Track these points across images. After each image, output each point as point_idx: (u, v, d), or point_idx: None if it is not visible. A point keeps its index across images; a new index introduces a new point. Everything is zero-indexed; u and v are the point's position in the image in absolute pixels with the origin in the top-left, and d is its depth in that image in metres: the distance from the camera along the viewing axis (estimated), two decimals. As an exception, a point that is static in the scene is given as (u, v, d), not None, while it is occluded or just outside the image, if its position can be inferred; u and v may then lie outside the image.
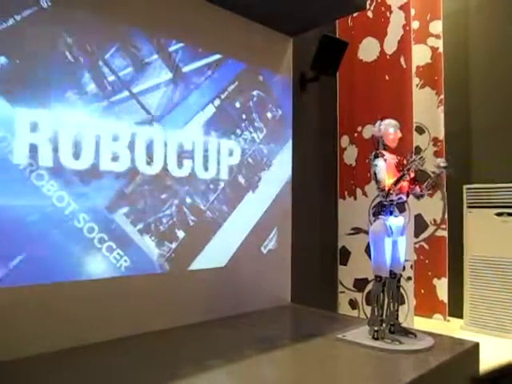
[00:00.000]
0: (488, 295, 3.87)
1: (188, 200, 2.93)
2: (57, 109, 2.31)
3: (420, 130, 4.23)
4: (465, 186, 4.08)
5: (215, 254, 3.07)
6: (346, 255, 4.07)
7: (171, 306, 2.75)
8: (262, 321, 3.03)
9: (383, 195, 2.52)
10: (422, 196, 2.63)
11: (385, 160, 2.55)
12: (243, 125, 3.30)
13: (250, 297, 3.25)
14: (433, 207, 4.17)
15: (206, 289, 2.98)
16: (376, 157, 2.56)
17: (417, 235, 4.12)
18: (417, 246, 4.18)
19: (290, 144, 3.68)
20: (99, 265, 2.46)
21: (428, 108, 4.20)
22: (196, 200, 2.98)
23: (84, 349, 2.26)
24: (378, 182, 2.54)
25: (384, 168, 2.51)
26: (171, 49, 2.85)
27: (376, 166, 2.53)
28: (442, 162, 2.54)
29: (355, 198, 4.04)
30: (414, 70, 4.21)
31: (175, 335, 2.59)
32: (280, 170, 3.59)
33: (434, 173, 2.59)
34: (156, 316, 2.66)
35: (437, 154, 4.15)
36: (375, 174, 2.54)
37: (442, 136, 4.16)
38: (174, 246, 2.83)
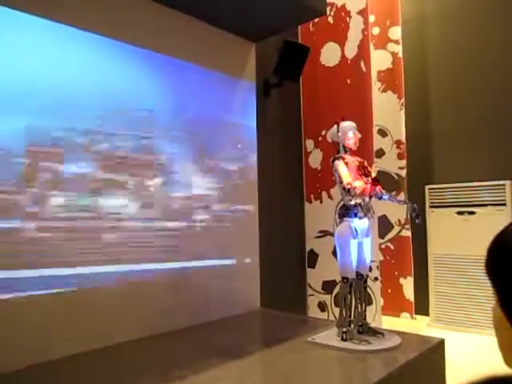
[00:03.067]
0: (452, 292, 3.98)
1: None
2: None
3: (383, 133, 4.31)
4: (427, 187, 4.19)
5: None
6: (314, 258, 4.09)
7: (132, 317, 2.66)
8: (231, 328, 2.98)
9: (348, 195, 2.54)
10: (381, 198, 2.66)
11: (346, 163, 2.58)
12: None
13: (218, 304, 3.20)
14: (397, 208, 4.22)
15: (168, 297, 2.89)
16: (334, 160, 2.60)
17: (382, 236, 4.19)
18: (383, 246, 4.25)
19: (255, 149, 3.66)
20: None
21: (390, 111, 4.30)
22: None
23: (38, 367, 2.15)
24: (340, 182, 2.57)
25: (343, 167, 2.55)
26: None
27: (335, 169, 2.57)
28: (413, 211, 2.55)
29: (321, 202, 4.08)
30: (375, 74, 4.34)
31: (137, 347, 2.51)
32: (245, 175, 3.57)
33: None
34: (115, 329, 2.57)
35: (399, 156, 4.24)
36: (336, 176, 2.58)
37: (404, 138, 4.25)
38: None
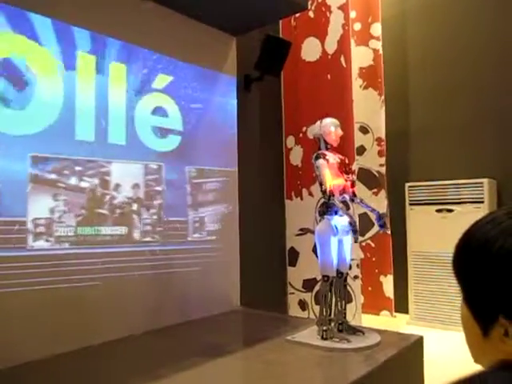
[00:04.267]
0: (431, 289, 4.04)
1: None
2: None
3: (364, 130, 4.35)
4: (407, 184, 4.25)
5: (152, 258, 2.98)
6: (294, 256, 4.11)
7: (111, 316, 2.63)
8: (210, 327, 2.98)
9: (326, 197, 2.58)
10: (352, 201, 2.72)
11: (327, 160, 2.60)
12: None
13: (197, 303, 3.19)
14: (377, 205, 4.24)
15: (147, 296, 2.88)
16: (317, 158, 2.60)
17: (363, 234, 4.21)
18: (363, 244, 4.28)
19: (235, 145, 3.65)
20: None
21: (372, 109, 4.33)
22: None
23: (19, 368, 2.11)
24: (320, 183, 2.60)
25: (326, 169, 2.57)
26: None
27: (317, 167, 2.58)
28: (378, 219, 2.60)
29: (302, 199, 4.09)
30: (357, 71, 4.36)
31: (118, 348, 2.49)
32: (225, 172, 3.56)
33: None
34: (96, 328, 2.54)
35: (380, 153, 4.28)
36: (317, 175, 2.61)
37: (384, 136, 4.30)
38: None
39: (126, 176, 2.81)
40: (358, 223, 2.80)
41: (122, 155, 2.79)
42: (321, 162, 2.59)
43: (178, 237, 3.13)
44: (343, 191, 2.60)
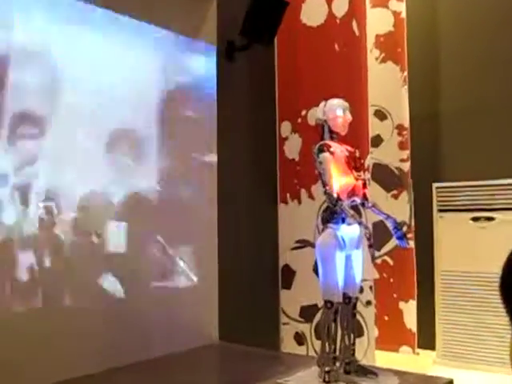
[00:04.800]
0: (464, 320, 4.04)
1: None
2: None
3: (381, 116, 4.35)
4: (434, 185, 4.26)
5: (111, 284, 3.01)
6: (289, 276, 4.09)
7: (55, 355, 2.64)
8: (179, 367, 2.97)
9: (331, 201, 2.56)
10: (363, 206, 2.73)
11: (332, 153, 2.60)
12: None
13: (163, 336, 3.18)
14: (397, 212, 4.20)
15: (102, 329, 2.88)
16: (320, 150, 2.60)
17: (378, 247, 4.21)
18: (378, 261, 4.27)
19: (214, 132, 3.65)
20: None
21: (391, 87, 4.33)
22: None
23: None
24: (323, 182, 2.59)
25: (331, 164, 2.57)
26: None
27: (320, 162, 2.59)
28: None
29: (300, 202, 4.07)
30: (372, 39, 4.36)
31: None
32: (201, 168, 3.57)
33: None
34: (46, 368, 2.56)
35: (401, 145, 4.28)
36: (320, 172, 2.61)
37: (407, 123, 4.31)
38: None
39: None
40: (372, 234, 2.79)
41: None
42: (325, 155, 2.58)
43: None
44: (353, 193, 2.60)
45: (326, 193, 2.57)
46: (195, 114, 3.52)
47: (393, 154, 4.30)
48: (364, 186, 2.66)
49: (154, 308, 3.18)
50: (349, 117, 2.69)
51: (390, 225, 2.64)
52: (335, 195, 2.52)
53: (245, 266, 3.89)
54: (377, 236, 3.94)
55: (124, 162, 3.15)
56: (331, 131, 2.68)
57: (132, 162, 3.19)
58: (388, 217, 2.66)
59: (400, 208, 4.23)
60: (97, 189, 2.98)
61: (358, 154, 2.74)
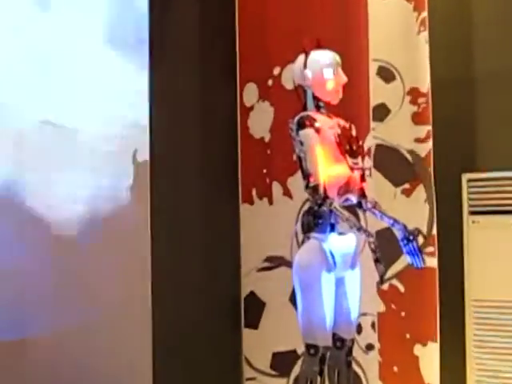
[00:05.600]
0: (508, 369, 4.00)
1: None
2: None
3: (387, 75, 4.23)
4: (465, 176, 4.21)
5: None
6: (256, 309, 4.11)
7: None
8: None
9: (315, 200, 2.56)
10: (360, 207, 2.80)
11: (317, 130, 2.60)
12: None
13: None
14: (412, 215, 4.02)
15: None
16: (301, 125, 2.60)
17: (385, 267, 4.16)
18: (384, 286, 4.14)
19: (145, 103, 3.70)
20: None
21: (401, 36, 4.23)
22: None
23: None
24: (305, 172, 2.60)
25: (316, 146, 2.58)
26: None
27: (301, 143, 2.60)
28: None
29: (271, 202, 4.11)
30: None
31: None
32: (125, 158, 3.63)
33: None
34: None
35: (417, 119, 4.20)
36: (300, 157, 2.62)
37: (426, 86, 4.20)
38: None
39: None
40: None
41: None
42: (307, 132, 2.58)
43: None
44: (346, 189, 2.62)
45: (308, 187, 2.57)
46: (117, 79, 3.64)
47: (404, 132, 4.18)
48: (362, 178, 2.69)
49: (62, 367, 3.27)
50: (343, 78, 2.69)
51: (398, 232, 2.68)
52: (322, 191, 2.52)
53: (191, 297, 3.91)
54: (382, 250, 3.97)
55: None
56: (317, 98, 2.70)
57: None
58: (395, 222, 2.68)
59: (414, 210, 4.12)
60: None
61: (354, 132, 2.76)
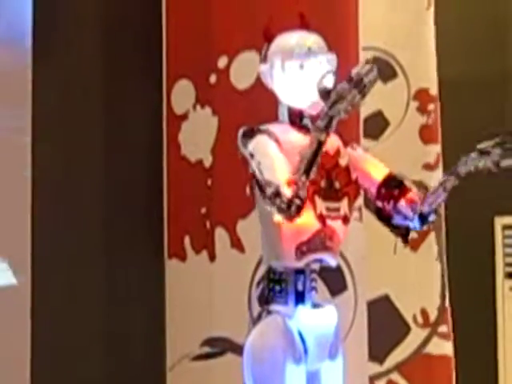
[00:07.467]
0: None
1: None
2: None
3: (385, 71, 3.95)
4: (498, 221, 4.11)
5: None
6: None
7: None
8: None
9: (280, 206, 2.11)
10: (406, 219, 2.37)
11: (276, 140, 2.30)
12: None
13: None
14: (416, 277, 3.94)
15: None
16: (248, 135, 2.32)
17: (383, 354, 3.92)
18: (382, 381, 3.86)
19: (27, 110, 3.50)
20: None
21: (405, 19, 4.09)
22: None
23: None
24: (262, 188, 2.16)
25: (272, 150, 2.27)
26: None
27: (252, 155, 2.27)
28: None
29: (212, 257, 3.83)
30: None
31: None
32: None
33: None
34: None
35: (428, 134, 3.91)
36: (254, 175, 2.26)
37: (435, 87, 3.97)
38: None
39: None
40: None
41: None
42: (259, 138, 2.30)
43: None
44: (311, 247, 2.25)
45: (266, 197, 2.18)
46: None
47: (409, 154, 3.89)
48: (344, 222, 2.36)
49: None
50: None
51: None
52: (285, 191, 2.13)
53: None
54: (377, 329, 3.69)
55: None
56: (291, 110, 2.38)
57: None
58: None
59: (422, 270, 3.91)
60: None
61: (342, 161, 2.33)
